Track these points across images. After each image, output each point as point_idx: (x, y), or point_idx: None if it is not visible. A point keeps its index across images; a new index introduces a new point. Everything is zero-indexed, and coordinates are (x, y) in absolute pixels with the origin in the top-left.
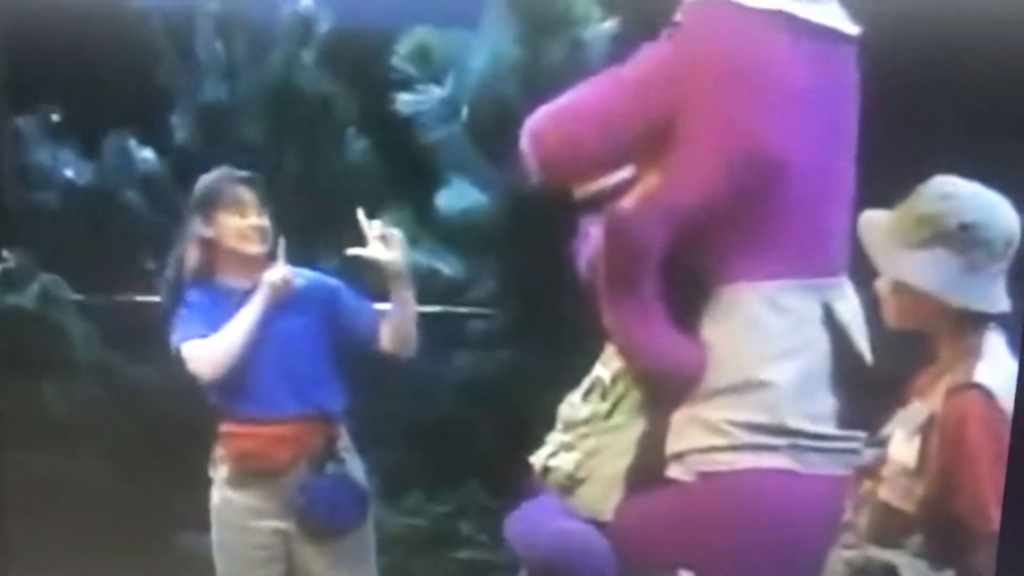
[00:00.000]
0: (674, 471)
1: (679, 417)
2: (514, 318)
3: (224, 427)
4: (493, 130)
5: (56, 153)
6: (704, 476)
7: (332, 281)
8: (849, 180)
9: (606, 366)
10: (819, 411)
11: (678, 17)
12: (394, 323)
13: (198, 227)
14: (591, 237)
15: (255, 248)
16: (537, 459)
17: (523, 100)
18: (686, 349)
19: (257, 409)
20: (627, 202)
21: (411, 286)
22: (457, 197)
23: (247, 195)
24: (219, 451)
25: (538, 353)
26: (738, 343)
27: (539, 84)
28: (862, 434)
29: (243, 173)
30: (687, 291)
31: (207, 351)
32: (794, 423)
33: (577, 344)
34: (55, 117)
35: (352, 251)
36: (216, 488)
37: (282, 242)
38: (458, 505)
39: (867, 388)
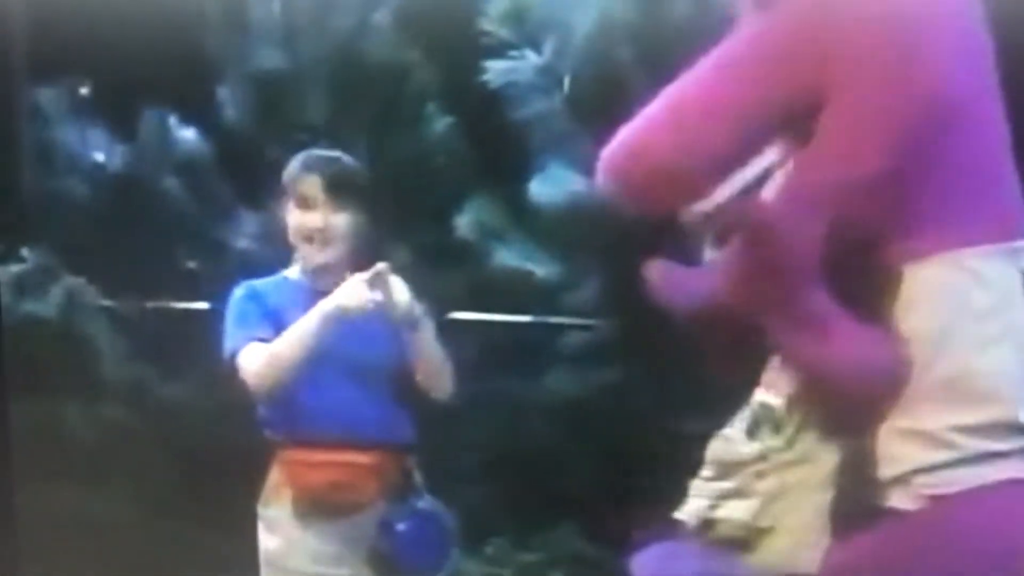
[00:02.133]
0: (894, 499)
1: (887, 433)
2: (620, 330)
3: (288, 454)
4: (600, 104)
5: (84, 133)
6: (931, 501)
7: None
8: (1005, 126)
9: (772, 391)
10: None
11: None
12: (420, 361)
13: (284, 210)
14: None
15: (313, 256)
16: (689, 513)
17: (638, 69)
18: (883, 350)
19: (331, 433)
20: (767, 201)
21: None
22: (555, 185)
23: (315, 189)
24: (278, 484)
25: (648, 372)
26: (943, 329)
27: (657, 49)
28: None
29: (332, 157)
30: (867, 280)
31: (260, 362)
32: None
33: (697, 361)
34: (83, 91)
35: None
36: (270, 528)
37: (384, 267)
38: (549, 553)
39: None
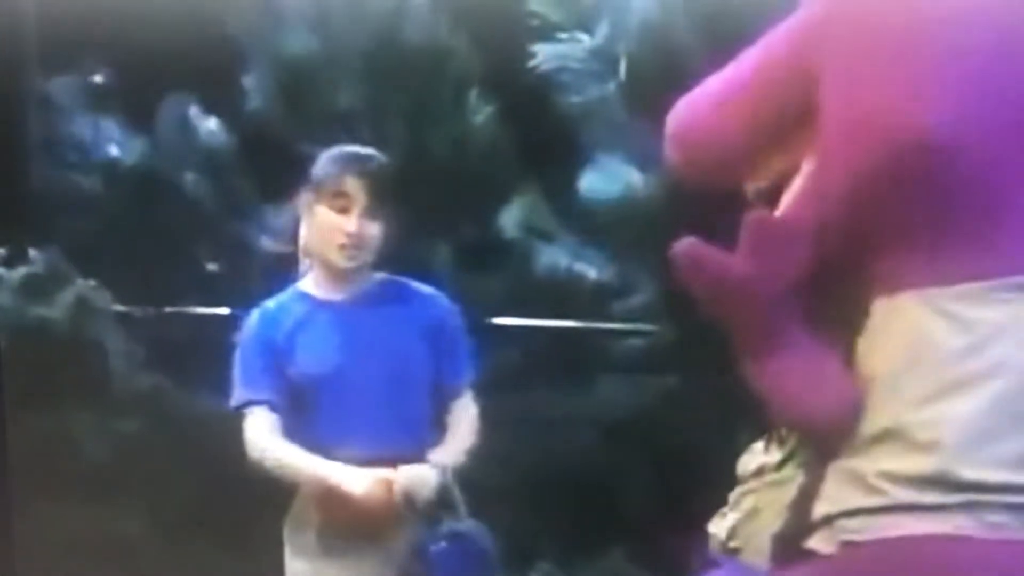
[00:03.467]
0: (815, 541)
1: (832, 472)
2: (678, 337)
3: None
4: (658, 90)
5: (97, 125)
6: (847, 547)
7: (447, 304)
8: None
9: None
10: (1012, 455)
11: None
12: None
13: (304, 212)
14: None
15: (342, 260)
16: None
17: (699, 51)
18: (834, 385)
19: (360, 450)
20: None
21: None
22: (607, 179)
23: (355, 188)
24: (305, 505)
25: (708, 383)
26: (899, 370)
27: (720, 29)
28: None
29: (371, 155)
30: (842, 309)
31: (253, 450)
32: (971, 473)
33: None
34: (96, 79)
35: None
36: (297, 552)
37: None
38: None
39: None
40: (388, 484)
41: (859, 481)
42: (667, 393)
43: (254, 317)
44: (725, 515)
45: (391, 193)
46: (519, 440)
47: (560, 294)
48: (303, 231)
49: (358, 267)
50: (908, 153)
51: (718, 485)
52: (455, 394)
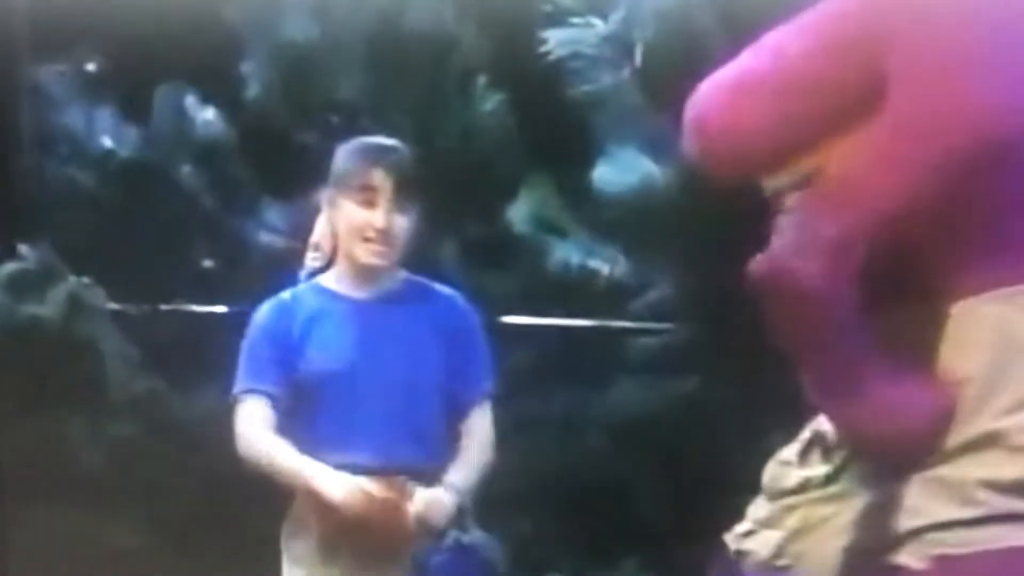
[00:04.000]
0: (903, 556)
1: (917, 482)
2: (695, 337)
3: None
4: (674, 79)
5: (90, 115)
6: (942, 562)
7: (468, 309)
8: None
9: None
10: None
11: None
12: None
13: (325, 206)
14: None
15: (370, 256)
16: (731, 537)
17: (718, 38)
18: (922, 398)
19: (362, 457)
20: (793, 238)
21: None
22: (622, 171)
23: (382, 181)
24: (303, 513)
25: (727, 384)
26: (992, 374)
27: (742, 15)
28: None
29: (396, 147)
30: (914, 318)
31: (242, 441)
32: None
33: (785, 372)
34: (89, 67)
35: None
36: (295, 562)
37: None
38: None
39: None
40: (367, 494)
41: (952, 491)
42: (684, 395)
43: (267, 307)
44: (756, 532)
45: (417, 185)
46: (529, 443)
47: (572, 292)
48: (320, 226)
49: (381, 265)
50: (997, 148)
51: (737, 491)
52: (472, 403)
